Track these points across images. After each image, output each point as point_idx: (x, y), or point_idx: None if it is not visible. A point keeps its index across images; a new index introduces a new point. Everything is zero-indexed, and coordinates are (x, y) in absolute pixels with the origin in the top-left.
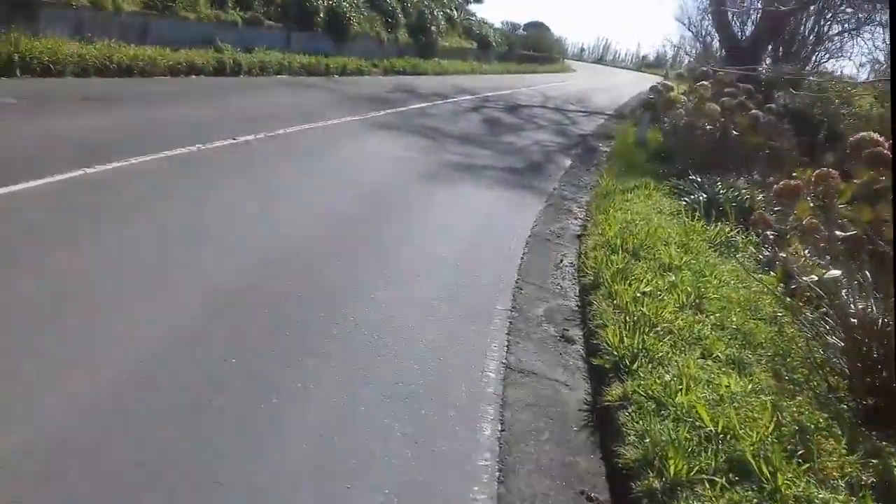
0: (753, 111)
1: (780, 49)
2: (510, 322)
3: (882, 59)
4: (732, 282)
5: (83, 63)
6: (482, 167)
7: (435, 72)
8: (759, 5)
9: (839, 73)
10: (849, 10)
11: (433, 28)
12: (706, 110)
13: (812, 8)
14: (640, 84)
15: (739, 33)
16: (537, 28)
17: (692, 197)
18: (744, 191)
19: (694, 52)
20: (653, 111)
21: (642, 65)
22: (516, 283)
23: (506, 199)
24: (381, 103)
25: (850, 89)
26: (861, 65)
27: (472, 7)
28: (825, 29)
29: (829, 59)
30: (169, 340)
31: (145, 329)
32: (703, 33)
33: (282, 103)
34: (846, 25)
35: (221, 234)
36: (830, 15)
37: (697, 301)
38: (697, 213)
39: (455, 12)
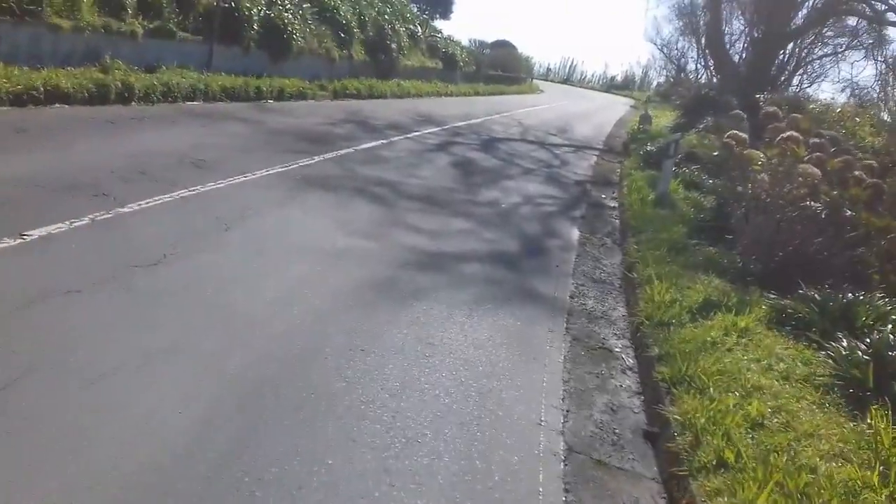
0: (868, 178)
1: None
2: None
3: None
4: None
5: None
6: (458, 259)
7: (395, 94)
8: (753, 32)
9: (820, 97)
10: (829, 33)
11: (393, 45)
12: (801, 174)
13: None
14: (615, 108)
15: (735, 57)
16: (504, 47)
17: (842, 351)
18: None
19: (666, 73)
20: (682, 159)
21: (611, 86)
22: None
23: (502, 337)
24: (318, 143)
25: (856, 118)
26: (842, 89)
27: (439, 23)
28: (804, 54)
29: (810, 84)
30: None
31: None
32: (678, 55)
33: (168, 147)
34: (828, 50)
35: None
36: (812, 39)
37: None
38: (857, 386)
39: (419, 28)
